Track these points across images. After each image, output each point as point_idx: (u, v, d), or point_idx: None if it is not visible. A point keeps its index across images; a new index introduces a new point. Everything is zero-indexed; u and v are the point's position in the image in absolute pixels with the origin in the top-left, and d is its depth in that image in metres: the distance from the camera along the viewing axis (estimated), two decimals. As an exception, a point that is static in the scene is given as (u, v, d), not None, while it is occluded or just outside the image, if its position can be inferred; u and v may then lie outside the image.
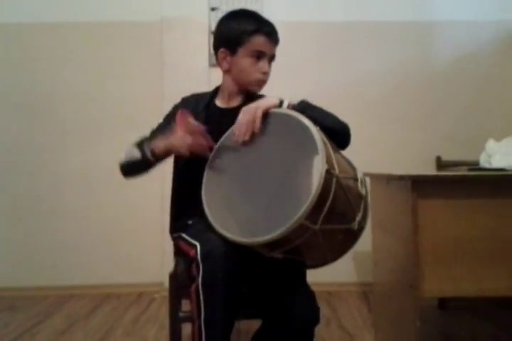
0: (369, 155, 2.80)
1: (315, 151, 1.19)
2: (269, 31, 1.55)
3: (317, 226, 1.19)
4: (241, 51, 1.53)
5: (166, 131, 1.47)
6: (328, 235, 1.23)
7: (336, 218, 1.23)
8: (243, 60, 1.54)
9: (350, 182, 1.29)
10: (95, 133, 3.13)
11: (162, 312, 2.66)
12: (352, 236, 1.32)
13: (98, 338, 2.26)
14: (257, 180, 1.31)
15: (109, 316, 2.61)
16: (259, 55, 1.53)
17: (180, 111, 1.43)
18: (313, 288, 1.41)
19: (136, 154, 1.48)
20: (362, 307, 2.74)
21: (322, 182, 1.15)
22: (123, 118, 3.11)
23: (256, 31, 1.52)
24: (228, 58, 1.57)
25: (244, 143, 1.34)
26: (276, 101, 1.38)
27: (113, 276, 3.09)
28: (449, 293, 1.72)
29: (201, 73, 2.93)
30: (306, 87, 3.00)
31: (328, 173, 1.18)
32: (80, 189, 3.12)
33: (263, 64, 1.54)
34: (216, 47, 1.60)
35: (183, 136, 1.39)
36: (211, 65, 2.93)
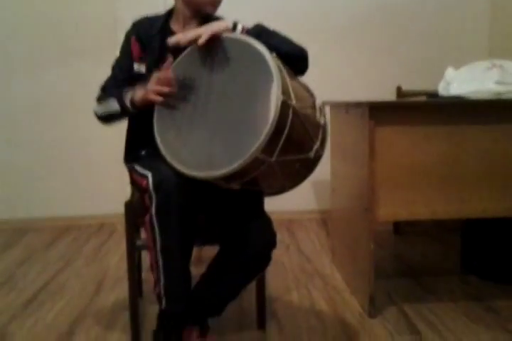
0: (329, 85, 2.77)
1: (270, 80, 1.14)
2: None
3: (273, 159, 1.16)
4: None
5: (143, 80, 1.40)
6: (285, 165, 1.21)
7: (292, 149, 1.20)
8: None
9: (308, 111, 1.25)
10: (46, 60, 2.97)
11: (123, 242, 2.66)
12: (309, 165, 1.31)
13: (57, 268, 2.27)
14: (210, 109, 1.26)
15: (70, 247, 2.62)
16: None
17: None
18: (274, 216, 1.43)
19: (115, 106, 1.43)
20: (320, 233, 2.83)
21: (278, 114, 1.11)
22: (75, 45, 2.96)
23: None
24: None
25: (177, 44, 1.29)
26: (228, 24, 1.31)
27: (74, 208, 3.06)
28: (403, 217, 1.75)
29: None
30: (264, 15, 2.86)
31: (284, 104, 1.13)
32: (35, 118, 3.01)
33: None
34: None
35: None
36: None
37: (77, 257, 2.44)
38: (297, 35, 1.43)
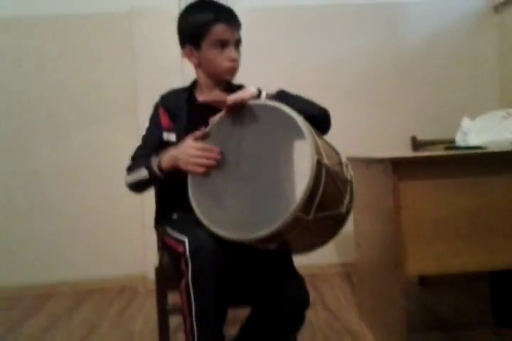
0: (345, 139, 2.79)
1: (302, 141, 1.18)
2: (227, 17, 1.51)
3: (310, 217, 1.18)
4: (205, 44, 1.51)
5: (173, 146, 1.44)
6: (320, 223, 1.23)
7: (326, 205, 1.22)
8: (209, 52, 1.51)
9: (337, 168, 1.29)
10: (68, 127, 3.06)
11: (146, 305, 2.65)
12: (341, 220, 1.33)
13: (84, 334, 2.24)
14: (244, 173, 1.29)
15: (93, 311, 2.59)
16: (223, 44, 1.50)
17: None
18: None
19: (144, 174, 1.44)
20: (344, 287, 2.79)
21: (314, 173, 1.15)
22: (96, 111, 3.06)
23: (213, 21, 1.48)
24: (195, 53, 1.54)
25: (231, 121, 1.32)
26: (254, 91, 1.36)
27: (94, 271, 3.05)
28: (432, 271, 1.74)
29: (174, 64, 2.85)
30: (277, 74, 3.01)
31: (318, 163, 1.17)
32: (56, 184, 3.05)
33: (229, 51, 1.51)
34: (182, 44, 1.57)
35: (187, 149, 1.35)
36: (184, 56, 2.88)
37: (102, 322, 2.41)
38: (309, 93, 1.48)
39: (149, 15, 2.99)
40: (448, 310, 2.33)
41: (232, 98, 1.30)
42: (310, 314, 2.33)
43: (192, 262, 1.22)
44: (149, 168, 1.43)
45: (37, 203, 3.05)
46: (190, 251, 1.23)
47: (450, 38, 3.21)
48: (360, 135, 3.11)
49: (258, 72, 2.69)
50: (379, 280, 1.95)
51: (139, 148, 1.57)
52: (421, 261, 1.70)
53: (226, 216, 1.27)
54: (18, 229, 3.03)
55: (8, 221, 3.04)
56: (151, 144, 1.54)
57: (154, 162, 1.42)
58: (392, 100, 3.19)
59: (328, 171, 1.21)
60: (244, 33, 1.57)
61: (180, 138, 1.45)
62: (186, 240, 1.27)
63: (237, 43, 1.55)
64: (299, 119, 1.21)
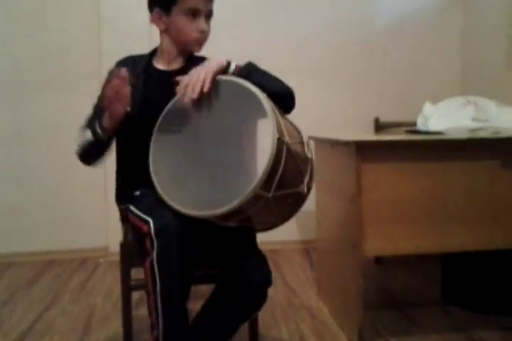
0: (308, 118, 2.81)
1: (265, 119, 1.20)
2: None
3: (270, 194, 1.21)
4: (175, 10, 1.48)
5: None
6: (280, 200, 1.25)
7: (286, 183, 1.25)
8: (178, 19, 1.49)
9: (298, 147, 1.31)
10: (29, 91, 2.97)
11: (108, 277, 2.65)
12: (300, 199, 1.36)
13: (44, 307, 2.24)
14: (205, 149, 1.30)
15: (54, 283, 2.58)
16: (194, 13, 1.48)
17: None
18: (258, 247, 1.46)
19: (88, 135, 1.42)
20: (304, 264, 2.86)
21: (274, 151, 1.17)
22: (59, 76, 2.98)
23: None
24: (163, 18, 1.52)
25: (193, 102, 1.30)
26: (224, 63, 1.35)
27: (54, 242, 3.02)
28: (389, 252, 1.81)
29: (141, 30, 2.79)
30: (247, 45, 3.00)
31: (279, 141, 1.19)
32: (15, 150, 2.97)
33: (199, 22, 1.50)
34: (150, 7, 1.54)
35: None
36: (151, 20, 2.81)
37: (62, 294, 2.40)
38: (275, 69, 1.48)
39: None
40: (401, 288, 2.44)
41: (208, 81, 1.28)
42: (269, 290, 2.39)
43: (157, 242, 1.24)
44: (92, 129, 1.41)
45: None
46: (155, 231, 1.24)
47: (417, 21, 3.26)
48: (324, 114, 3.15)
49: (226, 44, 2.66)
50: (337, 259, 2.01)
51: (89, 117, 1.52)
52: (378, 242, 1.76)
53: (188, 193, 1.29)
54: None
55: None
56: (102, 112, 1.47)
57: (97, 122, 1.41)
58: (356, 81, 3.23)
59: (289, 149, 1.24)
60: (215, 4, 1.55)
61: (134, 107, 1.40)
62: (151, 220, 1.27)
63: (209, 15, 1.54)
64: (263, 97, 1.23)
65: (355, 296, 1.79)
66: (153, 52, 1.62)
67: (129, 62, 1.57)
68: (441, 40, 3.29)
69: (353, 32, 3.21)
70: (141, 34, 2.79)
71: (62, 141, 2.93)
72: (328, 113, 3.17)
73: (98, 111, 1.46)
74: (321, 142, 2.14)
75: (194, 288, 1.41)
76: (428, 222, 1.77)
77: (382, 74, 3.25)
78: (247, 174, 1.19)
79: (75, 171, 2.94)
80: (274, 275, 2.59)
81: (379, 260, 2.84)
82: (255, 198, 1.18)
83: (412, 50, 3.27)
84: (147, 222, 1.28)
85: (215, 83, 1.31)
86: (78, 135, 1.48)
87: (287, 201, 1.31)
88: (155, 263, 1.24)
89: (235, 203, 1.17)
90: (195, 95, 1.29)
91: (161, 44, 1.59)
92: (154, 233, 1.24)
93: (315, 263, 2.61)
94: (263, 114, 1.21)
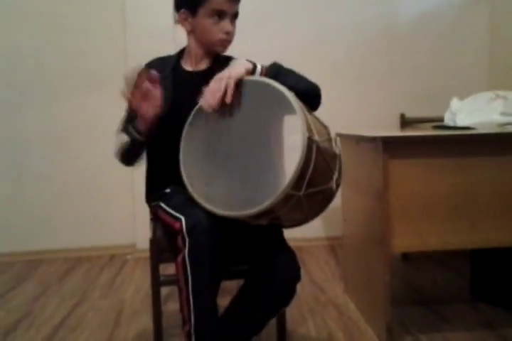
0: (333, 114, 2.80)
1: (294, 118, 1.20)
2: None
3: (301, 193, 1.21)
4: (201, 11, 1.50)
5: None
6: (310, 198, 1.26)
7: (316, 181, 1.26)
8: (204, 20, 1.50)
9: (326, 144, 1.31)
10: (56, 94, 3.02)
11: (136, 274, 2.69)
12: (330, 195, 1.36)
13: (75, 302, 2.29)
14: (234, 149, 1.31)
15: (84, 279, 2.63)
16: (220, 14, 1.50)
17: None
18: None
19: (124, 138, 1.47)
20: (330, 261, 2.86)
21: (305, 151, 1.17)
22: (86, 78, 3.02)
23: None
24: (190, 19, 1.53)
25: (213, 110, 1.31)
26: (250, 66, 1.36)
27: (83, 240, 3.08)
28: (417, 248, 1.79)
29: (165, 31, 2.83)
30: (271, 45, 2.99)
31: (309, 140, 1.19)
32: (44, 151, 3.03)
33: (225, 23, 1.51)
34: (177, 8, 1.56)
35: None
36: (176, 23, 2.84)
37: (92, 290, 2.45)
38: (299, 67, 1.48)
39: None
40: (429, 285, 2.41)
41: (230, 87, 1.28)
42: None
43: (189, 239, 1.26)
44: (127, 132, 1.46)
45: (26, 171, 3.03)
46: (187, 228, 1.26)
47: (442, 16, 3.22)
48: (349, 110, 3.14)
49: (249, 43, 2.66)
50: (364, 255, 2.00)
51: (123, 120, 1.56)
52: (406, 238, 1.75)
53: (219, 193, 1.31)
54: (8, 197, 3.03)
55: (-2, 189, 3.04)
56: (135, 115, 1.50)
57: (131, 125, 1.46)
58: (382, 77, 3.20)
59: (319, 148, 1.24)
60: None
61: (164, 107, 1.43)
62: (183, 218, 1.29)
63: (234, 16, 1.55)
64: (291, 96, 1.23)
65: (382, 293, 1.79)
66: (181, 53, 1.64)
67: (157, 64, 1.59)
68: (468, 34, 3.24)
69: (377, 26, 3.18)
70: (165, 36, 2.82)
71: (91, 143, 3.01)
72: (354, 109, 3.16)
73: (131, 114, 1.49)
74: (346, 139, 2.14)
75: (224, 284, 1.43)
76: (456, 217, 1.75)
77: (407, 71, 3.21)
78: (276, 173, 1.20)
79: (104, 172, 3.03)
80: (301, 271, 2.63)
81: (406, 256, 2.82)
82: (286, 198, 1.19)
83: (438, 45, 3.22)
84: (179, 220, 1.30)
85: (242, 84, 1.32)
86: (116, 138, 1.52)
87: (317, 198, 1.31)
88: (187, 260, 1.26)
89: (266, 204, 1.18)
90: (214, 105, 1.29)
91: (188, 45, 1.61)
92: (186, 230, 1.26)
93: (341, 259, 2.61)
94: (292, 112, 1.21)
